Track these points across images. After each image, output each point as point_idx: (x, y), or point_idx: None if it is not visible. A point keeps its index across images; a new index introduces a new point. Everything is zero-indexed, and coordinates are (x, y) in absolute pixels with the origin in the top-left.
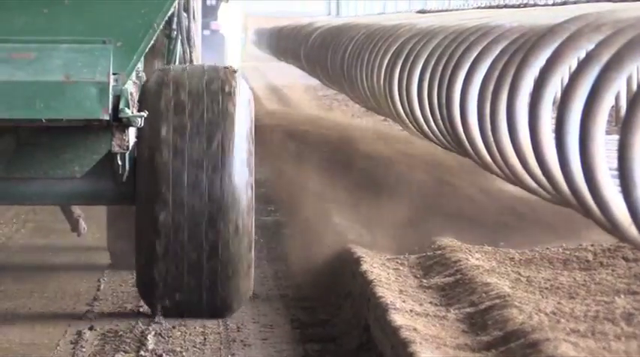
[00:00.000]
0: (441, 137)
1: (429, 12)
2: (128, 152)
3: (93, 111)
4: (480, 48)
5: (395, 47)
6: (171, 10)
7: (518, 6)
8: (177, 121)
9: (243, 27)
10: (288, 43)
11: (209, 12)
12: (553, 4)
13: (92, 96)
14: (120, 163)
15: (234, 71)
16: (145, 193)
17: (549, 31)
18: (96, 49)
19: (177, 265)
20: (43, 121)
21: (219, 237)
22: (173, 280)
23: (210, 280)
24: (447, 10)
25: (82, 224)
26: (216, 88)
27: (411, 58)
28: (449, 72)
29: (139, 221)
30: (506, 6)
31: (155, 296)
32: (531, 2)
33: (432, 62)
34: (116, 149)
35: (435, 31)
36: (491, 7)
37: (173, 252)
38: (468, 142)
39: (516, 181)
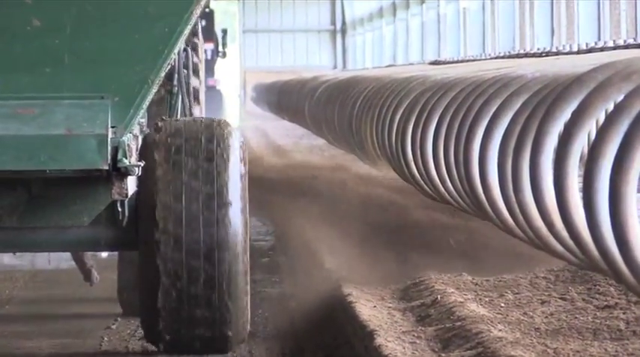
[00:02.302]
0: (459, 199)
1: (443, 63)
2: (127, 200)
3: (93, 161)
4: (499, 101)
5: (407, 102)
6: (168, 66)
7: (540, 54)
8: (174, 170)
9: (241, 83)
10: (291, 100)
11: (205, 68)
12: (577, 52)
13: (92, 148)
14: (120, 209)
15: (228, 124)
16: (146, 239)
17: (575, 81)
18: (95, 105)
19: (178, 304)
20: (48, 171)
21: (216, 279)
22: (174, 318)
23: (208, 320)
24: (462, 61)
25: (95, 274)
26: (210, 139)
27: (425, 113)
28: (466, 128)
29: (141, 265)
30: (526, 55)
31: (158, 334)
32: (554, 50)
33: (448, 117)
34: (116, 196)
35: (451, 84)
36: (510, 56)
37: (173, 293)
38: (488, 204)
39: (541, 244)
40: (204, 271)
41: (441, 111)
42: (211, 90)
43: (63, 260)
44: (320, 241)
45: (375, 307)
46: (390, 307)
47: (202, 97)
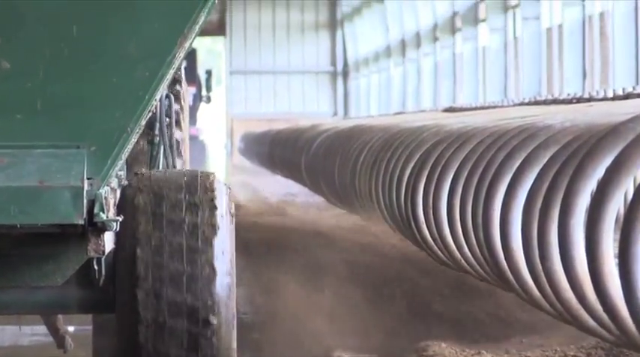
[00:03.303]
0: (478, 267)
1: (460, 110)
2: (104, 258)
3: (67, 215)
4: (524, 154)
5: (419, 155)
6: (149, 114)
7: (570, 101)
8: (155, 225)
9: (227, 132)
10: (285, 152)
11: None
12: (613, 98)
13: (66, 201)
14: (96, 267)
15: (214, 175)
16: (124, 301)
17: (610, 132)
18: (69, 154)
19: None
20: (19, 226)
21: (200, 343)
22: None
23: None
24: (481, 108)
25: (69, 341)
26: (194, 192)
27: (439, 168)
28: (486, 185)
29: (119, 329)
30: (555, 101)
31: None
32: (586, 96)
33: (465, 173)
34: (92, 253)
35: (468, 134)
36: (536, 102)
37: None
38: (511, 273)
39: (571, 319)
40: (187, 339)
41: (457, 166)
42: (193, 140)
43: (25, 336)
44: None
45: None
46: None
47: (186, 147)
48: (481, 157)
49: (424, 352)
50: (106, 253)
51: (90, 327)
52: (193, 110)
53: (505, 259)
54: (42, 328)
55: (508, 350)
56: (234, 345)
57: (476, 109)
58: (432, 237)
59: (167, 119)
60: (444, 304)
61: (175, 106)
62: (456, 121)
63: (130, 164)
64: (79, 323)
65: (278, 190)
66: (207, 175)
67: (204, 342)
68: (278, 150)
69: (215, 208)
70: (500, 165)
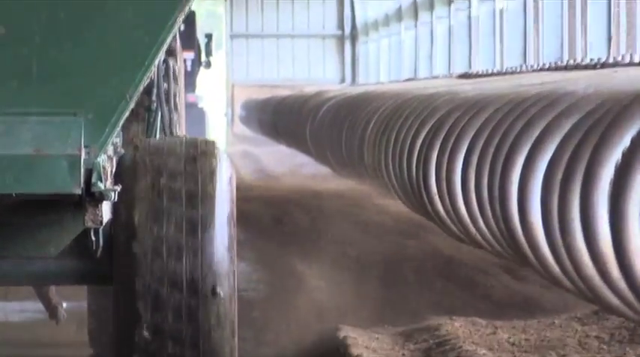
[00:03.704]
0: (494, 241)
1: (475, 76)
2: (102, 229)
3: (64, 185)
4: (544, 123)
5: (431, 124)
6: (147, 80)
7: (594, 66)
8: (154, 196)
9: (228, 99)
10: (289, 121)
11: (185, 81)
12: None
13: (63, 169)
14: (94, 238)
15: (215, 144)
16: (122, 273)
17: (636, 100)
18: (66, 122)
19: (158, 348)
20: (14, 195)
21: (201, 322)
22: None
23: None
24: (498, 74)
25: (62, 311)
26: (195, 161)
27: (453, 137)
28: (503, 156)
29: (116, 302)
30: (577, 66)
31: None
32: (610, 61)
33: (481, 143)
34: (89, 224)
35: (484, 102)
36: (558, 68)
37: (153, 334)
38: (530, 248)
39: (594, 297)
40: (186, 312)
41: (472, 135)
42: (192, 108)
43: (14, 312)
44: None
45: None
46: None
47: (182, 113)
48: (498, 125)
49: (436, 331)
50: (104, 223)
51: (82, 303)
52: (192, 76)
53: (523, 233)
54: (32, 305)
55: (526, 330)
56: (235, 312)
57: (493, 75)
58: (444, 210)
59: (165, 85)
60: (460, 281)
61: (172, 63)
62: (471, 88)
63: (126, 126)
64: (68, 297)
65: (282, 160)
66: (208, 142)
67: (204, 300)
68: (282, 118)
69: (216, 173)
70: (519, 134)
